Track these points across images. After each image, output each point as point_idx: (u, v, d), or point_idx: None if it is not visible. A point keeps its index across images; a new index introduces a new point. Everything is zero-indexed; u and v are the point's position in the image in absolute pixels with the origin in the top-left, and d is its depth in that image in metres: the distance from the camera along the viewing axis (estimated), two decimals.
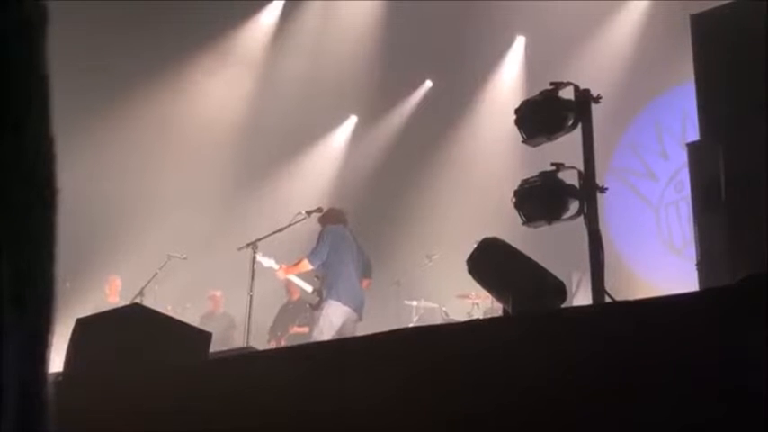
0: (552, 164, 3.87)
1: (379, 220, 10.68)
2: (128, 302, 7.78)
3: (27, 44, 0.53)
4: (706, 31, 4.15)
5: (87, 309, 7.59)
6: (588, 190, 3.76)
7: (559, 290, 3.46)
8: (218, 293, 10.34)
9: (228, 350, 5.36)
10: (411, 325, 8.20)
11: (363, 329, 6.87)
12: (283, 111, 11.32)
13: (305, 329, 8.76)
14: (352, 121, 12.56)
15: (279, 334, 9.12)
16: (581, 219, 3.77)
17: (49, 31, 0.55)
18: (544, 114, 3.94)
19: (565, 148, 4.14)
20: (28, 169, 0.52)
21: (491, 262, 3.60)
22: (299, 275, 7.65)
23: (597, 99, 3.88)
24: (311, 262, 7.10)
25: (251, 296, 7.24)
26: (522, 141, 4.06)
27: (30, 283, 0.51)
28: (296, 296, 9.25)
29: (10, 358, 0.48)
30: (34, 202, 0.52)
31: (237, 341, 9.19)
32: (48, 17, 0.55)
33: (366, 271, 7.41)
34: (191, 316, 9.07)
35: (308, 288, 7.75)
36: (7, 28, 0.51)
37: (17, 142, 0.51)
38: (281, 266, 7.50)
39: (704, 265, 3.97)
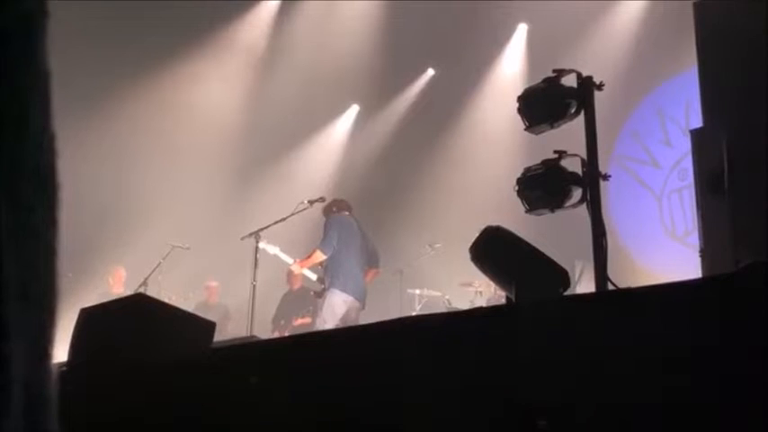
0: (555, 151, 3.86)
1: (381, 209, 10.68)
2: (132, 293, 7.80)
3: (28, 39, 0.53)
4: (709, 19, 4.14)
5: (91, 299, 7.59)
6: (591, 177, 3.75)
7: (563, 278, 3.46)
8: (214, 284, 10.35)
9: (232, 339, 5.37)
10: (414, 313, 8.22)
11: (366, 318, 6.89)
12: (285, 100, 11.31)
13: (308, 320, 8.79)
14: (354, 110, 12.54)
15: (282, 323, 9.14)
16: (584, 206, 3.77)
17: (50, 26, 0.55)
18: (547, 102, 3.93)
19: (567, 136, 4.14)
20: (31, 166, 0.52)
21: (494, 250, 3.60)
22: None
23: (600, 86, 3.86)
24: (324, 252, 7.11)
25: (254, 286, 7.26)
26: (525, 129, 4.05)
27: (34, 280, 0.51)
28: (297, 285, 9.27)
29: (18, 355, 0.49)
30: (37, 199, 0.52)
31: (232, 332, 9.23)
32: (48, 12, 0.55)
33: (372, 261, 7.41)
34: (191, 306, 9.09)
35: (313, 276, 7.77)
36: (8, 23, 0.51)
37: (19, 139, 0.51)
38: (295, 261, 7.53)
39: (707, 253, 3.97)
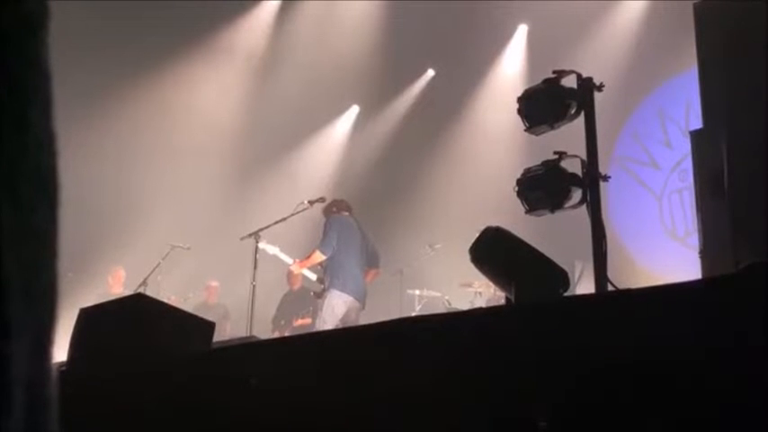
0: (555, 152, 3.86)
1: (381, 210, 10.67)
2: (131, 293, 7.79)
3: (29, 40, 0.53)
4: (709, 20, 4.14)
5: (91, 300, 7.59)
6: (591, 178, 3.75)
7: (562, 279, 3.46)
8: (214, 284, 10.34)
9: (231, 339, 5.37)
10: (414, 314, 8.22)
11: (366, 318, 6.89)
12: (285, 101, 11.31)
13: (308, 320, 8.79)
14: (354, 110, 12.54)
15: (282, 323, 9.14)
16: (584, 207, 3.77)
17: (52, 27, 0.55)
18: (547, 103, 3.93)
19: (567, 137, 4.14)
20: (31, 166, 0.52)
21: (494, 251, 3.60)
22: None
23: (600, 87, 3.86)
24: (323, 252, 7.11)
25: (253, 286, 7.26)
26: (525, 130, 4.05)
27: (35, 279, 0.51)
28: (297, 286, 9.27)
29: (19, 354, 0.49)
30: (38, 198, 0.52)
31: (231, 332, 9.25)
32: (50, 12, 0.55)
33: (372, 261, 7.40)
34: (191, 306, 9.10)
35: (312, 277, 7.77)
36: (9, 23, 0.51)
37: (20, 139, 0.51)
38: (295, 261, 7.53)
39: (707, 254, 3.96)
